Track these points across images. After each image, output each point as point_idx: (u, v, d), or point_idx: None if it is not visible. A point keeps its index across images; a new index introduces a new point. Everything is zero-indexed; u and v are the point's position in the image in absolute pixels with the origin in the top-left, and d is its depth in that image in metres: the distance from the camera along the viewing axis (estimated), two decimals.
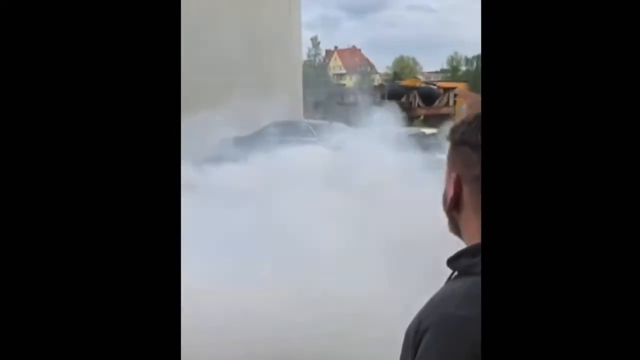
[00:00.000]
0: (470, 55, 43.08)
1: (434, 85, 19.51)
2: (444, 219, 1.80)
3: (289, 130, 11.49)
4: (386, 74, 47.09)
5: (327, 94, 18.51)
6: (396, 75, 35.89)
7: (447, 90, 17.50)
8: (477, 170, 1.23)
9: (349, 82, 49.33)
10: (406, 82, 20.18)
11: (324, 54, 50.58)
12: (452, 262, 1.25)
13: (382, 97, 16.91)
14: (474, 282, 1.15)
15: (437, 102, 17.08)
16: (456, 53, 44.88)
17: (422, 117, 16.43)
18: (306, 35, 47.94)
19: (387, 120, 11.08)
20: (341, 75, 52.58)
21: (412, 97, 16.81)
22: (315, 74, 41.14)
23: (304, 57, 35.87)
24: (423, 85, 18.98)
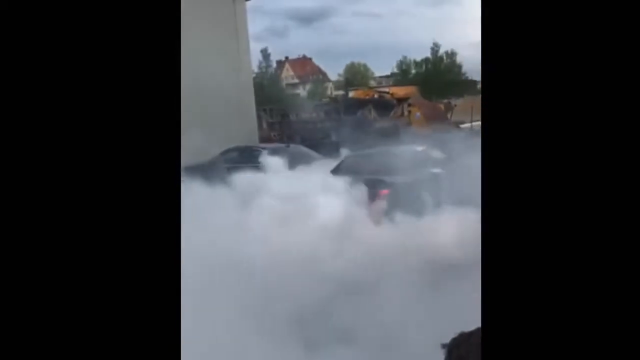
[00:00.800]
0: (419, 59, 43.71)
1: (387, 92, 19.58)
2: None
3: (244, 157, 11.06)
4: (339, 81, 47.28)
5: (282, 112, 18.21)
6: (348, 82, 36.04)
7: (400, 101, 17.61)
8: None
9: (303, 91, 49.34)
10: (359, 94, 20.16)
11: (275, 65, 50.34)
12: None
13: (337, 113, 16.79)
14: None
15: (392, 113, 17.11)
16: (405, 57, 45.49)
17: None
18: (256, 48, 47.62)
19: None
20: (294, 85, 52.46)
21: (368, 110, 16.77)
22: (269, 86, 40.84)
23: (255, 69, 35.59)
24: (376, 96, 18.98)
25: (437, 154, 7.42)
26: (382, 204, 5.13)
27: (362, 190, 5.27)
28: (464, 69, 42.01)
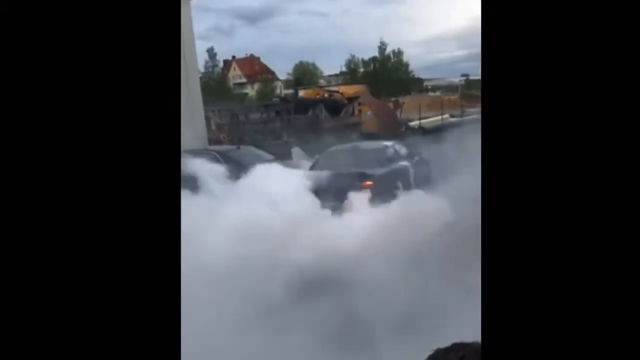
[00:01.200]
0: (366, 58, 44.20)
1: (337, 91, 19.59)
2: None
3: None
4: (288, 81, 47.08)
5: (231, 113, 17.82)
6: (298, 81, 35.93)
7: (351, 100, 17.64)
8: None
9: (251, 91, 48.82)
10: (308, 93, 20.06)
11: (221, 64, 49.52)
12: None
13: (288, 113, 16.60)
14: None
15: (343, 113, 17.11)
16: (353, 56, 45.90)
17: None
18: (201, 47, 46.62)
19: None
20: (242, 85, 51.84)
21: (319, 109, 16.67)
22: (216, 86, 40.09)
23: (201, 69, 34.87)
24: (326, 95, 18.96)
25: (402, 149, 8.15)
26: (367, 193, 5.65)
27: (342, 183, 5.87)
28: (410, 68, 42.85)
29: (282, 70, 51.85)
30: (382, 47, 42.48)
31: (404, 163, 7.44)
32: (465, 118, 21.62)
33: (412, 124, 17.84)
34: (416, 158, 7.88)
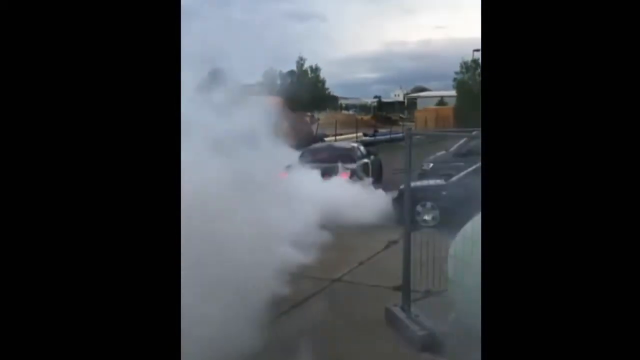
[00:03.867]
0: (284, 70, 44.47)
1: None
2: None
3: None
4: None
5: None
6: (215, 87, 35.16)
7: None
8: None
9: None
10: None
11: None
12: None
13: None
14: None
15: None
16: (271, 68, 45.89)
17: None
18: None
19: None
20: None
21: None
22: None
23: None
24: None
25: (364, 150, 11.11)
26: (347, 177, 8.63)
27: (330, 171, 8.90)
28: (326, 85, 43.74)
29: (196, 76, 50.35)
30: (300, 61, 43.04)
31: (366, 160, 10.35)
32: (379, 137, 22.44)
33: (327, 139, 18.19)
34: (372, 157, 10.96)
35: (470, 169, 6.82)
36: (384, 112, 39.18)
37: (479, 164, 7.02)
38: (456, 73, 34.31)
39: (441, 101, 39.23)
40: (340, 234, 6.42)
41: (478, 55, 31.47)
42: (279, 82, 46.26)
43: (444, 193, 7.06)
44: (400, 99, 48.88)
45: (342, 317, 4.17)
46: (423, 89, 48.01)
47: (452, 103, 35.30)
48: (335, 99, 46.71)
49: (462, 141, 10.12)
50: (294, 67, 43.60)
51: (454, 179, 7.16)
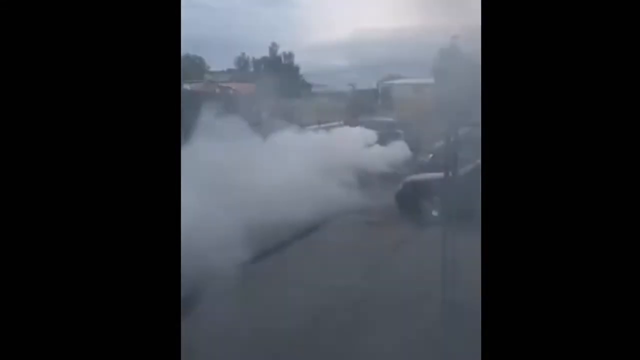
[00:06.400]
0: (258, 57, 43.74)
1: (230, 88, 18.95)
2: None
3: None
4: None
5: None
6: (185, 75, 34.37)
7: (246, 98, 17.22)
8: None
9: None
10: (199, 87, 19.11)
11: None
12: None
13: None
14: None
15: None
16: (243, 54, 45.16)
17: None
18: None
19: None
20: None
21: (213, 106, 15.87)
22: None
23: None
24: (218, 90, 18.19)
25: None
26: None
27: None
28: (300, 72, 43.19)
29: None
30: (273, 48, 42.32)
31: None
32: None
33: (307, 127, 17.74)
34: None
35: (478, 161, 6.53)
36: (358, 100, 38.90)
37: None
38: (435, 60, 34.21)
39: (416, 89, 39.16)
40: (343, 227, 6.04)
41: (456, 42, 31.43)
42: (251, 69, 45.90)
43: (451, 186, 6.69)
44: (374, 86, 48.83)
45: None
46: (397, 77, 48.00)
47: (427, 91, 35.21)
48: (309, 86, 46.17)
49: (463, 130, 9.74)
50: (266, 54, 42.87)
51: (461, 171, 6.86)
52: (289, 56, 42.71)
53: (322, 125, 18.32)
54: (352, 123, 21.94)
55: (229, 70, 46.61)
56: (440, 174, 7.58)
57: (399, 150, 10.63)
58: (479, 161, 5.93)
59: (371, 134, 10.97)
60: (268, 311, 3.90)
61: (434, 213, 6.78)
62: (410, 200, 6.87)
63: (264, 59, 42.51)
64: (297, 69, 42.67)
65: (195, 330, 3.03)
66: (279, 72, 40.34)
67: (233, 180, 6.01)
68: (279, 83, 37.76)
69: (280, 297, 4.10)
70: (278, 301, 3.98)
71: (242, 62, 45.09)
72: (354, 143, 10.00)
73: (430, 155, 9.75)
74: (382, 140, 10.87)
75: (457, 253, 3.73)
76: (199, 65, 48.48)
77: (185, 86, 19.49)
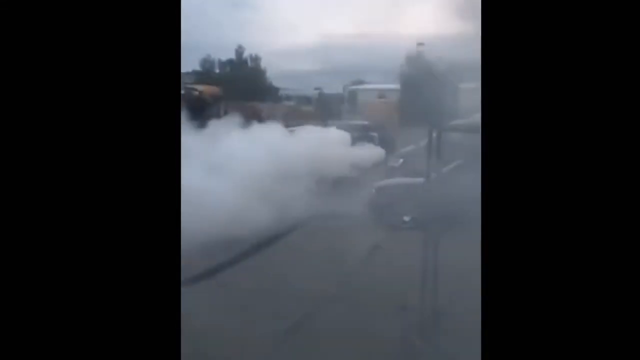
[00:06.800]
0: (224, 59, 43.20)
1: (195, 89, 18.66)
2: None
3: None
4: None
5: None
6: None
7: (212, 100, 17.01)
8: None
9: None
10: None
11: None
12: None
13: None
14: None
15: (206, 113, 16.28)
16: (209, 55, 44.52)
17: None
18: None
19: None
20: None
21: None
22: None
23: None
24: (183, 91, 17.85)
25: None
26: None
27: None
28: (267, 75, 42.89)
29: None
30: (239, 50, 41.88)
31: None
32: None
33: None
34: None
35: (451, 166, 6.51)
36: (326, 104, 38.93)
37: (460, 161, 6.74)
38: (401, 66, 34.58)
39: (382, 95, 39.52)
40: (314, 232, 5.90)
41: (422, 49, 31.94)
42: (217, 70, 45.33)
43: (424, 192, 6.65)
44: (341, 91, 49.06)
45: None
46: (362, 82, 48.38)
47: (393, 97, 35.57)
48: (275, 89, 45.87)
49: (434, 134, 9.71)
50: (232, 56, 42.39)
51: (434, 176, 6.83)
52: (255, 59, 42.36)
53: (289, 129, 18.19)
54: (320, 126, 21.92)
55: (194, 72, 45.85)
56: (412, 179, 7.57)
57: (372, 153, 10.52)
58: (453, 165, 5.86)
59: (344, 137, 10.67)
60: (236, 320, 3.75)
61: (406, 219, 6.74)
62: (382, 205, 6.82)
63: (229, 61, 42.01)
64: (263, 72, 42.34)
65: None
66: (245, 74, 39.98)
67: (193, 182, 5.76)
68: (245, 85, 37.40)
69: (248, 305, 3.94)
70: (244, 309, 3.82)
71: (207, 63, 44.43)
72: (322, 146, 9.80)
73: (401, 160, 9.72)
74: (356, 143, 10.68)
75: (437, 259, 3.65)
76: None
77: None
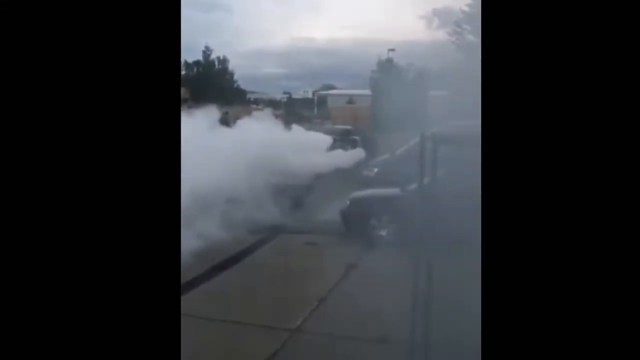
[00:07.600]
0: (190, 60, 42.05)
1: None
2: None
3: None
4: None
5: None
6: None
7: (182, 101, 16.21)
8: None
9: None
10: None
11: None
12: None
13: None
14: None
15: None
16: None
17: None
18: None
19: None
20: None
21: None
22: None
23: None
24: None
25: None
26: None
27: None
28: (235, 77, 42.03)
29: None
30: (206, 52, 40.86)
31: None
32: None
33: None
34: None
35: (433, 176, 5.96)
36: (294, 108, 38.43)
37: (443, 172, 6.21)
38: (373, 72, 34.33)
39: (351, 100, 39.24)
40: (284, 251, 5.21)
41: (393, 54, 31.73)
42: (183, 71, 44.35)
43: (403, 204, 6.07)
44: (310, 95, 48.66)
45: None
46: (331, 87, 48.10)
47: (362, 102, 35.28)
48: (243, 92, 45.07)
49: (412, 142, 9.08)
50: (200, 58, 41.35)
51: (413, 187, 6.28)
52: (223, 61, 41.42)
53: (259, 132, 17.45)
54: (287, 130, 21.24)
55: None
56: (388, 190, 7.00)
57: (354, 156, 9.58)
58: (432, 176, 5.22)
59: (325, 140, 9.61)
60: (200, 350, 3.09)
61: (382, 233, 6.16)
62: (357, 218, 6.22)
63: (196, 62, 40.93)
64: (231, 74, 41.43)
65: None
66: (213, 76, 39.01)
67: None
68: (212, 87, 36.49)
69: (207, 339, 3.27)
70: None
71: None
72: (299, 150, 8.96)
73: (375, 170, 9.09)
74: (337, 147, 9.75)
75: (423, 281, 3.02)
76: None
77: None
